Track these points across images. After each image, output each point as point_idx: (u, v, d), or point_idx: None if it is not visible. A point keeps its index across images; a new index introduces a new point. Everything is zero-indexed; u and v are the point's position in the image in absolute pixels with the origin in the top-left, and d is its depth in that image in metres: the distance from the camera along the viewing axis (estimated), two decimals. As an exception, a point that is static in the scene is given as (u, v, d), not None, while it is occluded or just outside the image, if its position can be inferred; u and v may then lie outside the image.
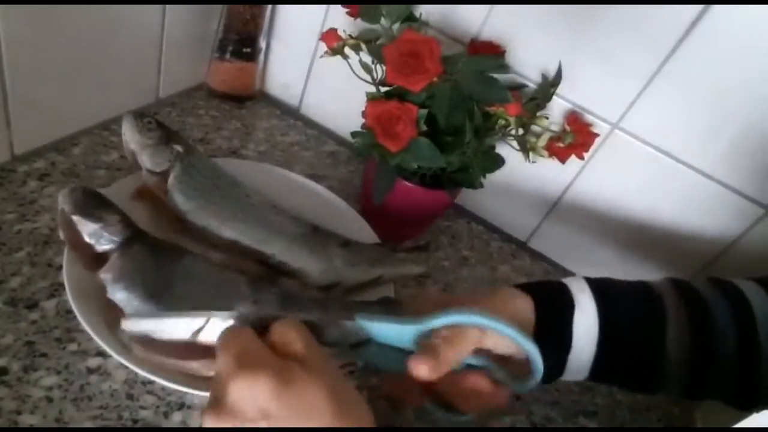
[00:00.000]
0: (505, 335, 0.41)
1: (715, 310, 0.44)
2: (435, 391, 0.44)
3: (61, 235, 0.49)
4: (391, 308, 0.51)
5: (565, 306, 0.44)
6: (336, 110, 0.86)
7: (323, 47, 0.67)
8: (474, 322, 0.40)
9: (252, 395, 0.32)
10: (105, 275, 0.47)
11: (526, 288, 0.47)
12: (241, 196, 0.59)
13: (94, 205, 0.48)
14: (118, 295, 0.46)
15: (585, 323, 0.44)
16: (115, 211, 0.49)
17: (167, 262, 0.48)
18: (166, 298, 0.46)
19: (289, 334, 0.36)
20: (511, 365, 0.43)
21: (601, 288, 0.46)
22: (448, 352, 0.39)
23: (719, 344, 0.43)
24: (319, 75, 0.85)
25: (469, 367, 0.43)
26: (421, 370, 0.39)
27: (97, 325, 0.46)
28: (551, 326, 0.44)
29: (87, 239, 0.47)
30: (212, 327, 0.38)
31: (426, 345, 0.40)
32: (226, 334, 0.37)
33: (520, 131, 0.66)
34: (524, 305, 0.45)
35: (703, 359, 0.44)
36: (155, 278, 0.47)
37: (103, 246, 0.47)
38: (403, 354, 0.41)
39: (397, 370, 0.41)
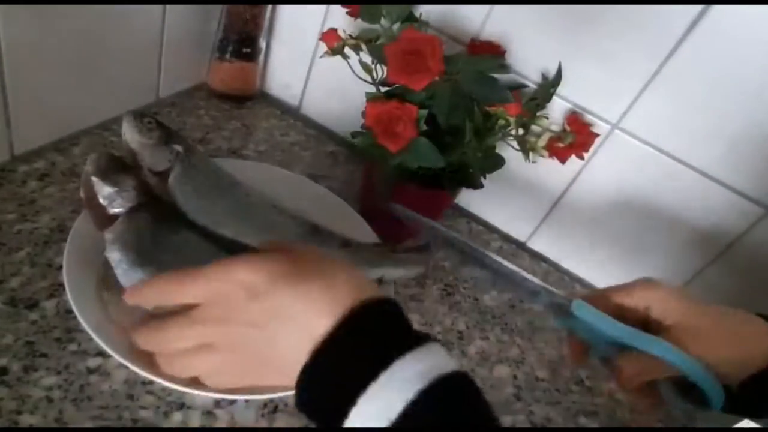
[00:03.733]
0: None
1: None
2: None
3: (81, 193, 0.51)
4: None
5: None
6: (336, 110, 0.86)
7: (323, 47, 0.67)
8: (679, 365, 0.41)
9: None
10: (107, 235, 0.49)
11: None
12: (241, 196, 0.59)
13: (114, 170, 0.51)
14: (112, 255, 0.48)
15: None
16: (133, 179, 0.51)
17: (165, 233, 0.51)
18: (150, 266, 0.48)
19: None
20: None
21: None
22: (653, 374, 0.42)
23: None
24: (319, 75, 0.85)
25: None
26: (631, 387, 0.42)
27: (97, 325, 0.46)
28: None
29: (101, 201, 0.50)
30: None
31: (635, 358, 0.42)
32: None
33: (520, 131, 0.66)
34: (758, 324, 0.43)
35: None
36: (148, 246, 0.49)
37: (114, 209, 0.50)
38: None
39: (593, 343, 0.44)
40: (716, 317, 0.43)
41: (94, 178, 0.50)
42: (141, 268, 0.48)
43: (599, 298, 0.45)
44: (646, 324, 0.44)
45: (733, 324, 0.43)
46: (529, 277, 0.47)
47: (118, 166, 0.52)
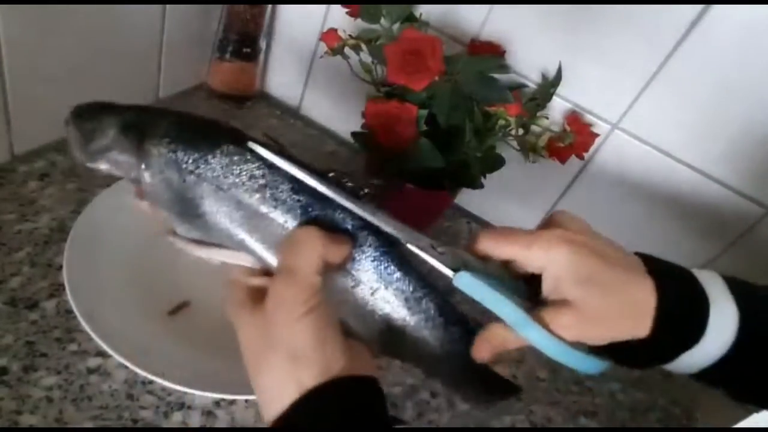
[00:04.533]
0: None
1: None
2: None
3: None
4: None
5: (699, 301, 0.41)
6: (336, 110, 0.86)
7: (323, 47, 0.67)
8: (554, 357, 0.38)
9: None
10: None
11: (645, 262, 0.42)
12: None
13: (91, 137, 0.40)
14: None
15: (721, 324, 0.40)
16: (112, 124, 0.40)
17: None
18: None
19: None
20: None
21: (741, 288, 0.42)
22: (513, 345, 0.39)
23: None
24: (319, 75, 0.85)
25: None
26: (482, 357, 0.39)
27: (97, 325, 0.46)
28: (678, 320, 0.40)
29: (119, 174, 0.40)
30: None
31: (492, 332, 0.39)
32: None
33: (520, 131, 0.66)
34: (647, 289, 0.40)
35: None
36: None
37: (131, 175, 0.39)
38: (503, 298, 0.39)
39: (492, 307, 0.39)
40: (613, 298, 0.40)
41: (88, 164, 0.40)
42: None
43: (502, 240, 0.40)
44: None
45: (619, 299, 0.40)
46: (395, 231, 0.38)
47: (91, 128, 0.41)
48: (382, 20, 0.63)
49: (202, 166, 0.37)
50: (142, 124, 0.38)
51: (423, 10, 0.68)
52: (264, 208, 0.37)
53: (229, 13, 0.79)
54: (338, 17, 0.72)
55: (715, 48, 0.59)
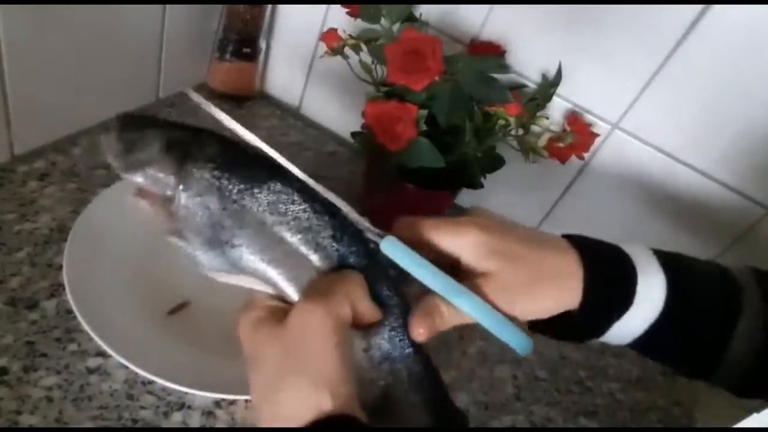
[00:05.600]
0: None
1: None
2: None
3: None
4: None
5: (626, 270, 0.41)
6: (336, 110, 0.86)
7: (323, 47, 0.67)
8: (485, 325, 0.38)
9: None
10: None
11: (571, 240, 0.43)
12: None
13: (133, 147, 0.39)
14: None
15: (649, 292, 0.40)
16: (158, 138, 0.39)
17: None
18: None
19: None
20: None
21: (670, 259, 0.42)
22: (452, 321, 0.38)
23: None
24: (319, 75, 0.85)
25: None
26: (420, 336, 0.37)
27: (97, 325, 0.46)
28: (606, 289, 0.40)
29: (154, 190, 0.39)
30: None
31: (429, 304, 0.38)
32: None
33: (520, 131, 0.66)
34: (571, 260, 0.41)
35: None
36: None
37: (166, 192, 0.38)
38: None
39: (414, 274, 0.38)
40: (531, 267, 0.40)
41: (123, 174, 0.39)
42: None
43: (414, 228, 0.40)
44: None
45: (541, 271, 0.40)
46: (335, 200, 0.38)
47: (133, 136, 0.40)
48: (382, 20, 0.63)
49: (248, 198, 0.37)
50: (187, 144, 0.38)
51: (423, 10, 0.68)
52: (304, 250, 0.37)
53: (229, 13, 0.79)
54: (338, 17, 0.72)
55: (715, 48, 0.59)
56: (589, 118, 0.69)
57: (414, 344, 0.38)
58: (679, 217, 0.70)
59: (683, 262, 0.43)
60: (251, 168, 0.38)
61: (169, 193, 0.38)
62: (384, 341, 0.37)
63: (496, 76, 0.60)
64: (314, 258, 0.37)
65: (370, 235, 0.39)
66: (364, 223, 0.39)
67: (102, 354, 0.49)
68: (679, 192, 0.68)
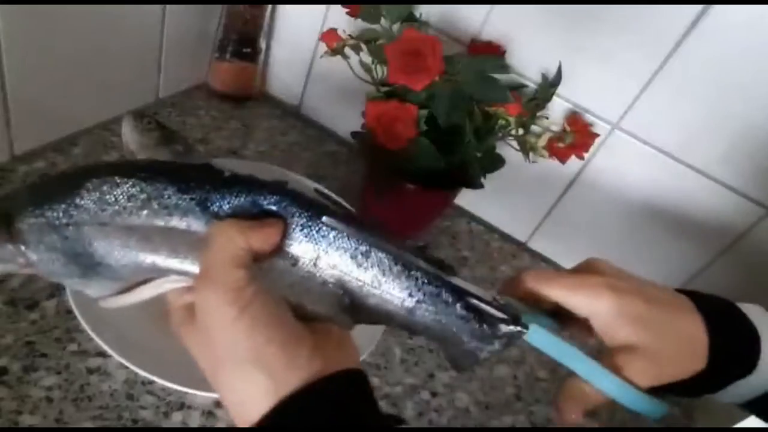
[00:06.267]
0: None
1: None
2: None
3: None
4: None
5: (748, 335, 0.41)
6: (336, 110, 0.86)
7: (323, 47, 0.67)
8: (623, 402, 0.40)
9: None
10: None
11: (692, 298, 0.42)
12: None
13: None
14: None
15: None
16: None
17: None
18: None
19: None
20: None
21: None
22: (597, 401, 0.40)
23: None
24: (319, 75, 0.85)
25: None
26: (575, 420, 0.40)
27: (97, 325, 0.46)
28: (731, 355, 0.41)
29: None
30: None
31: (574, 388, 0.40)
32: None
33: (520, 131, 0.66)
34: (699, 326, 0.41)
35: None
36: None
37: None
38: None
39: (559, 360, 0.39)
40: (669, 337, 0.40)
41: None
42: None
43: (534, 280, 0.40)
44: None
45: (677, 339, 0.40)
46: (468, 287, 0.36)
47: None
48: (382, 20, 0.63)
49: (74, 212, 0.33)
50: (6, 209, 0.34)
51: (423, 10, 0.68)
52: (159, 221, 0.33)
53: (229, 13, 0.79)
54: (338, 17, 0.72)
55: (715, 48, 0.59)
56: (589, 118, 0.69)
57: (336, 223, 0.34)
58: (679, 217, 0.70)
59: None
60: (62, 185, 0.34)
61: (21, 261, 0.34)
62: (302, 244, 0.34)
63: (496, 76, 0.60)
64: (176, 222, 0.33)
65: (504, 327, 0.36)
66: (497, 314, 0.36)
67: (102, 354, 0.49)
68: (679, 192, 0.68)
